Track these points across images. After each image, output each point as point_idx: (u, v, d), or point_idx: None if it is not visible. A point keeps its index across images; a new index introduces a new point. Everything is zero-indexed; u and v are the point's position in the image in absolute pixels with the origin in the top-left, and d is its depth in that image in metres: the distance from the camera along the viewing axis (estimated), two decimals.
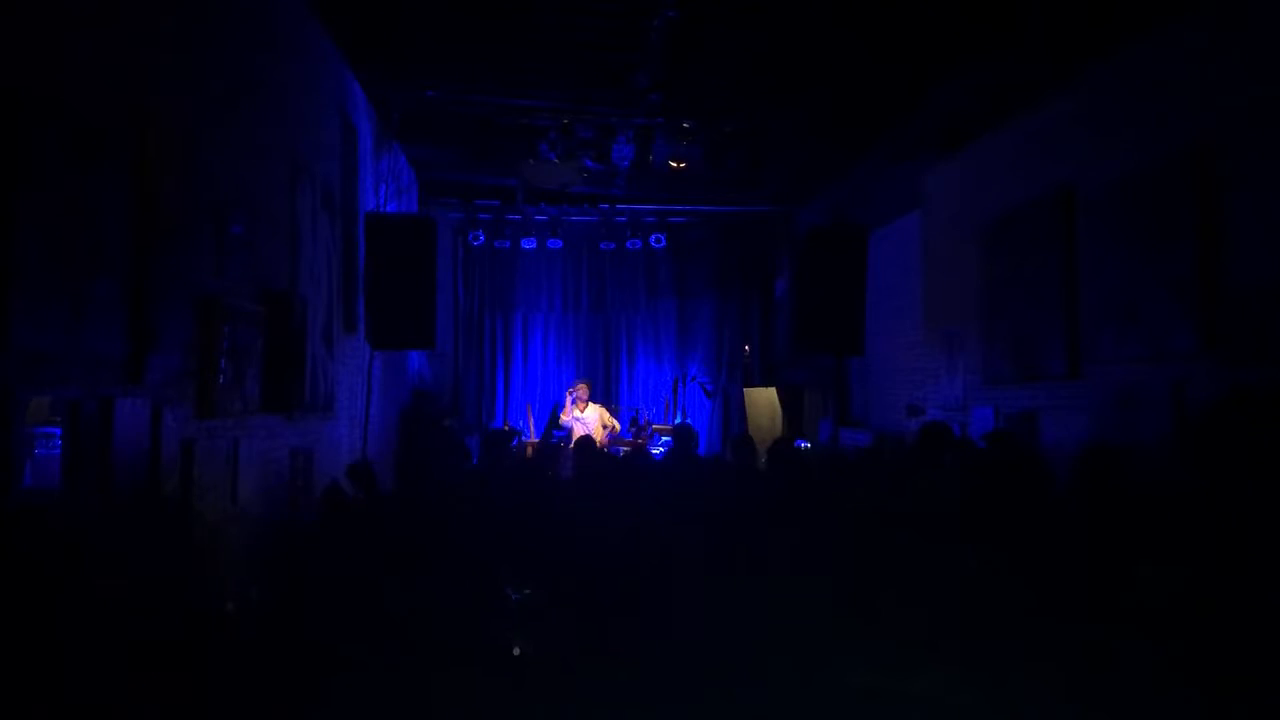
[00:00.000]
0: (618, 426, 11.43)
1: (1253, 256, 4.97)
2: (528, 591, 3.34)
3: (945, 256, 8.87)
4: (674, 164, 9.50)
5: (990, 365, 7.81)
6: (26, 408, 3.01)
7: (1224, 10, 5.29)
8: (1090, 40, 6.25)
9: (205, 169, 4.40)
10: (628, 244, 12.48)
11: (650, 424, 12.04)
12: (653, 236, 12.43)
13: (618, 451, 10.19)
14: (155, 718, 2.52)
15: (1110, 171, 6.21)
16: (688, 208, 12.57)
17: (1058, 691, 2.62)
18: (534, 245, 12.31)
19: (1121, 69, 6.22)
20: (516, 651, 3.05)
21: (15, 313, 2.83)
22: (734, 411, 13.01)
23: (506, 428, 11.85)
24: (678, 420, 12.98)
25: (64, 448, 3.28)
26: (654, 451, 10.84)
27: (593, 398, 11.35)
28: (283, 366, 5.35)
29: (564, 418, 11.08)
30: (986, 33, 6.39)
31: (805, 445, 9.33)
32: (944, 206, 9.01)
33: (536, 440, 11.38)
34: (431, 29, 6.85)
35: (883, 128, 8.71)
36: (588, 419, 10.93)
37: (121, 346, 3.54)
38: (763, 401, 12.40)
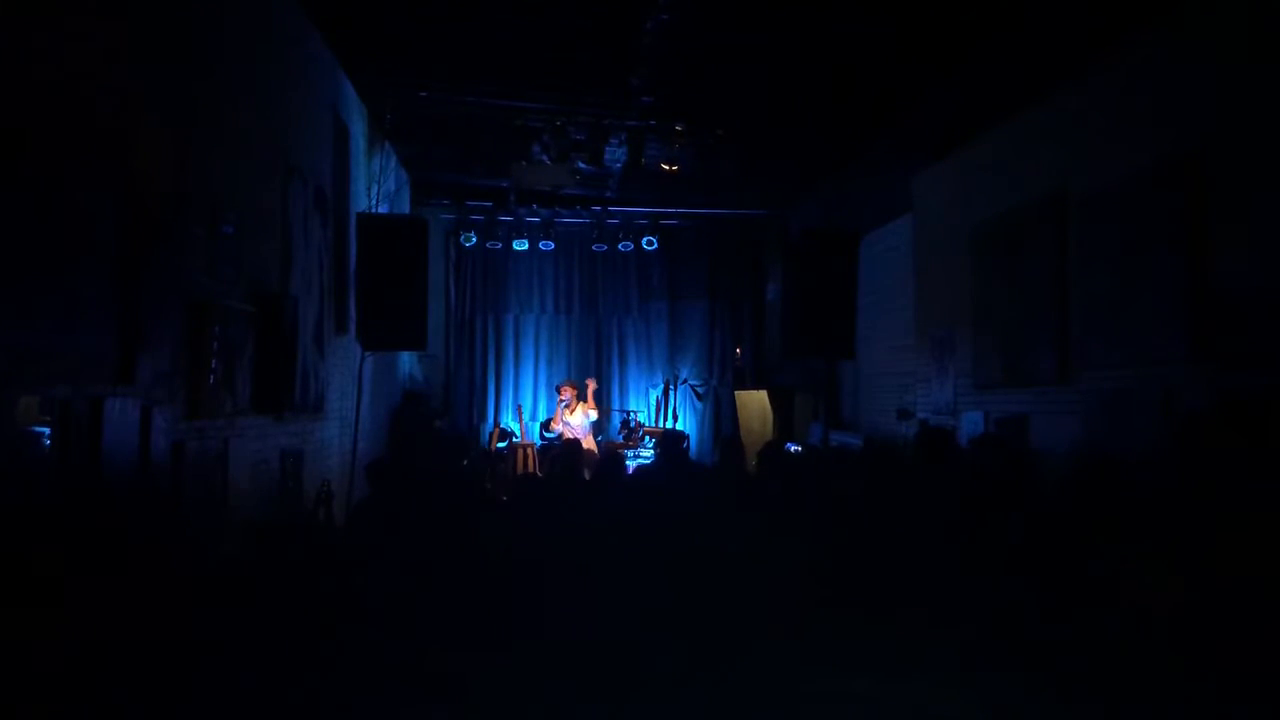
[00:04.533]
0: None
1: (1242, 263, 4.99)
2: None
3: (936, 260, 8.88)
4: (666, 166, 9.51)
5: (980, 369, 7.82)
6: (15, 406, 3.00)
7: (1215, 19, 5.32)
8: (1083, 46, 6.28)
9: (197, 169, 4.38)
10: (620, 246, 12.51)
11: (641, 426, 12.04)
12: (645, 239, 12.45)
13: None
14: (145, 715, 2.51)
15: (1102, 177, 6.23)
16: (680, 210, 12.59)
17: (1047, 697, 2.63)
18: (526, 247, 12.31)
19: (1114, 76, 6.24)
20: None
21: (4, 311, 2.82)
22: (725, 414, 13.04)
23: (498, 430, 11.83)
24: (669, 424, 12.98)
25: (53, 447, 3.25)
26: (641, 455, 10.85)
27: (583, 398, 11.28)
28: (274, 367, 5.32)
29: (555, 425, 11.05)
30: (980, 37, 6.41)
31: (797, 449, 9.32)
32: (935, 210, 9.03)
33: (529, 442, 11.37)
34: (424, 29, 6.84)
35: (875, 131, 8.73)
36: (574, 422, 10.88)
37: (112, 346, 3.52)
38: (754, 404, 12.41)
